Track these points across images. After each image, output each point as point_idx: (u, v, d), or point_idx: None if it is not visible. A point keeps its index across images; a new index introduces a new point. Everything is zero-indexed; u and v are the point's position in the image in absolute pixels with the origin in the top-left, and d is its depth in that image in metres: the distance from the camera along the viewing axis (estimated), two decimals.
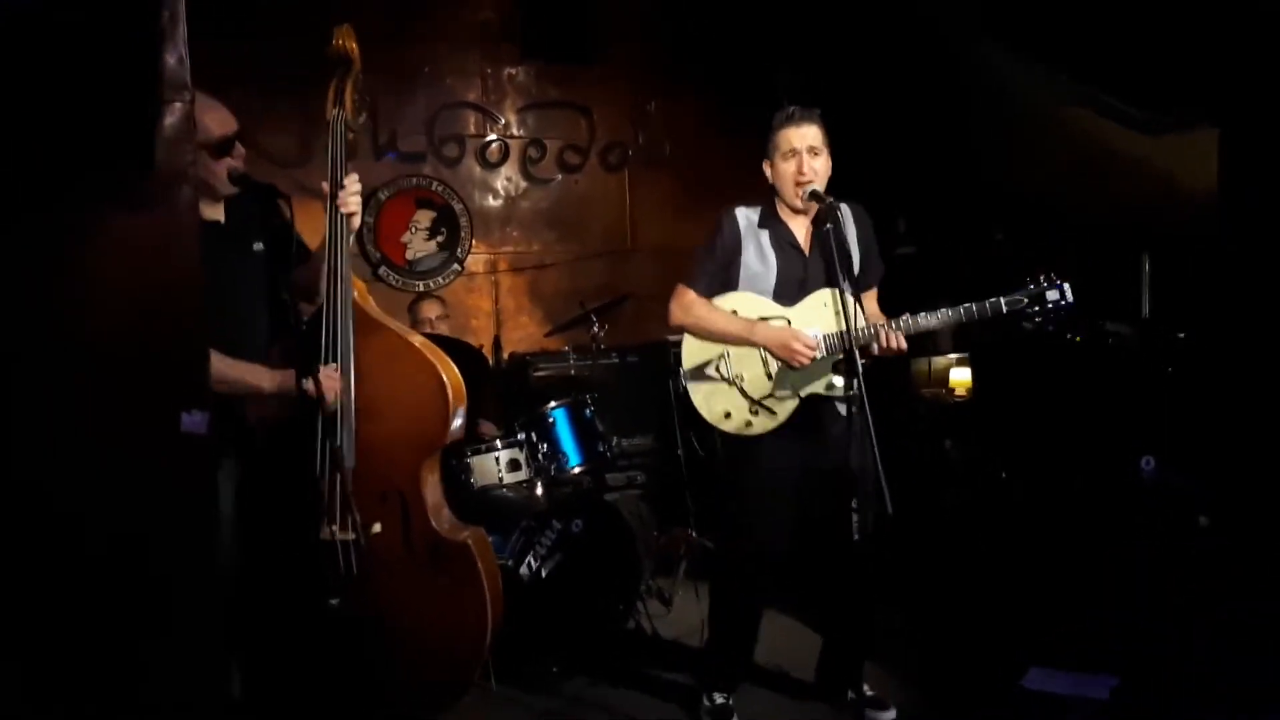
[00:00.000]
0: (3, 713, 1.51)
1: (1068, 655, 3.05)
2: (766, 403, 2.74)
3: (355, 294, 2.35)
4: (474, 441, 3.57)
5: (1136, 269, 3.93)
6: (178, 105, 1.34)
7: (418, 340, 2.43)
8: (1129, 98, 4.04)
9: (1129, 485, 3.27)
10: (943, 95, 4.70)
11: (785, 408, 2.74)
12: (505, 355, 5.18)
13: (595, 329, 4.30)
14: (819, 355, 2.67)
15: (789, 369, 2.71)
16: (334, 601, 2.25)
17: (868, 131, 4.39)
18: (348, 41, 2.40)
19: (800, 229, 2.81)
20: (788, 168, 2.72)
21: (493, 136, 5.36)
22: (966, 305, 2.57)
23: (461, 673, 2.50)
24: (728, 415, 2.77)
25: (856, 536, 2.52)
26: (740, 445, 2.80)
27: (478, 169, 5.37)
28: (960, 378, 4.83)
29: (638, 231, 5.67)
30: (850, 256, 2.72)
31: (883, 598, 3.06)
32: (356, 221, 2.41)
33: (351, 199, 2.37)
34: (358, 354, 2.31)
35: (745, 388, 2.76)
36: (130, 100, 1.33)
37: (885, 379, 2.89)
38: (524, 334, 5.40)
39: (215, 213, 2.50)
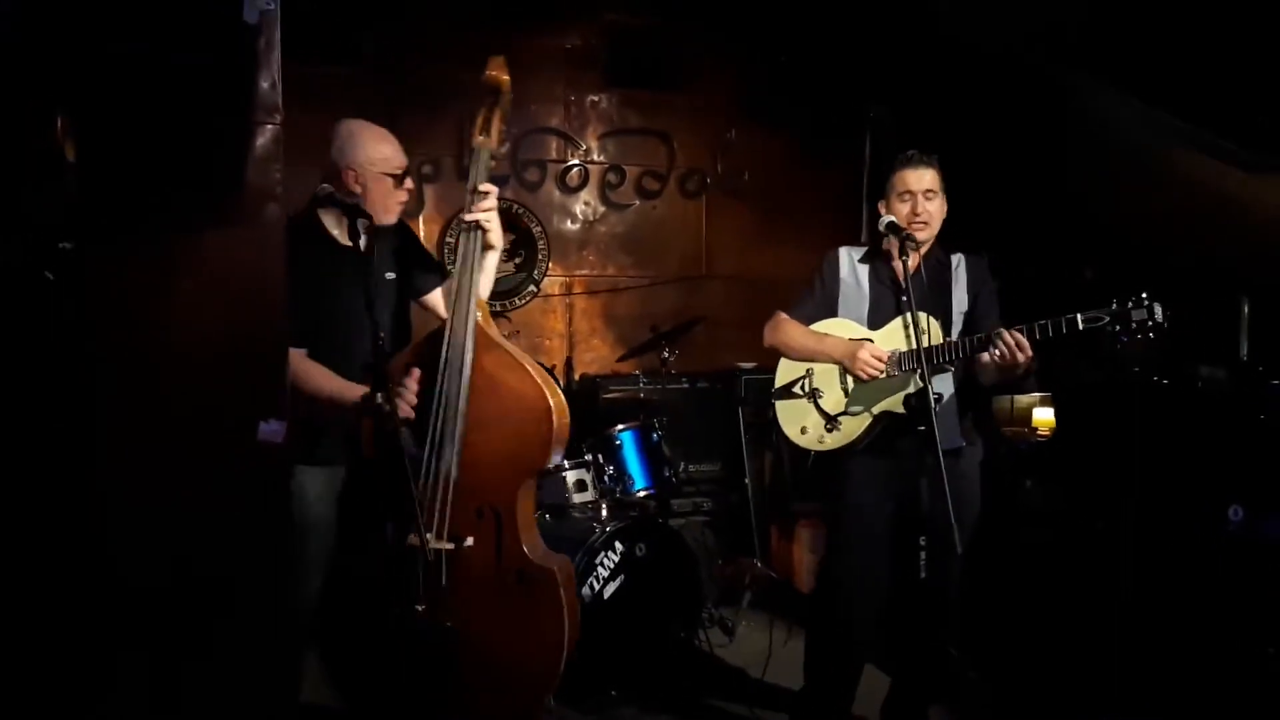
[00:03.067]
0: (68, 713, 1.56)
1: (1142, 707, 2.94)
2: (840, 418, 2.77)
3: (480, 314, 2.42)
4: None
5: (1234, 312, 3.77)
6: (269, 127, 1.41)
7: (531, 365, 2.45)
8: (1236, 137, 3.89)
9: (1215, 534, 3.12)
10: (1035, 130, 4.60)
11: (857, 424, 2.74)
12: (576, 376, 5.23)
13: (665, 354, 4.31)
14: (888, 370, 2.68)
15: (862, 384, 2.73)
16: (419, 609, 2.29)
17: (955, 165, 4.33)
18: (500, 73, 2.47)
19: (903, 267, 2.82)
20: (902, 209, 2.76)
21: (574, 161, 5.45)
22: (1040, 322, 2.49)
23: (529, 697, 2.50)
24: (804, 431, 2.83)
25: (923, 574, 2.48)
26: (830, 477, 2.83)
27: (557, 193, 5.45)
28: (1043, 417, 4.69)
29: (713, 259, 5.68)
30: (949, 291, 2.79)
31: (954, 640, 2.97)
32: (494, 238, 2.52)
33: (482, 215, 2.49)
34: (473, 369, 2.38)
35: (822, 403, 2.81)
36: (223, 122, 1.41)
37: (965, 414, 2.84)
38: (595, 356, 5.44)
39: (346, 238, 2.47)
